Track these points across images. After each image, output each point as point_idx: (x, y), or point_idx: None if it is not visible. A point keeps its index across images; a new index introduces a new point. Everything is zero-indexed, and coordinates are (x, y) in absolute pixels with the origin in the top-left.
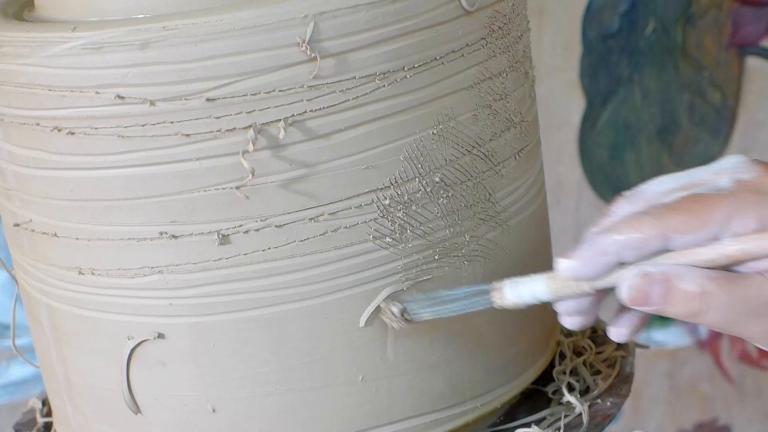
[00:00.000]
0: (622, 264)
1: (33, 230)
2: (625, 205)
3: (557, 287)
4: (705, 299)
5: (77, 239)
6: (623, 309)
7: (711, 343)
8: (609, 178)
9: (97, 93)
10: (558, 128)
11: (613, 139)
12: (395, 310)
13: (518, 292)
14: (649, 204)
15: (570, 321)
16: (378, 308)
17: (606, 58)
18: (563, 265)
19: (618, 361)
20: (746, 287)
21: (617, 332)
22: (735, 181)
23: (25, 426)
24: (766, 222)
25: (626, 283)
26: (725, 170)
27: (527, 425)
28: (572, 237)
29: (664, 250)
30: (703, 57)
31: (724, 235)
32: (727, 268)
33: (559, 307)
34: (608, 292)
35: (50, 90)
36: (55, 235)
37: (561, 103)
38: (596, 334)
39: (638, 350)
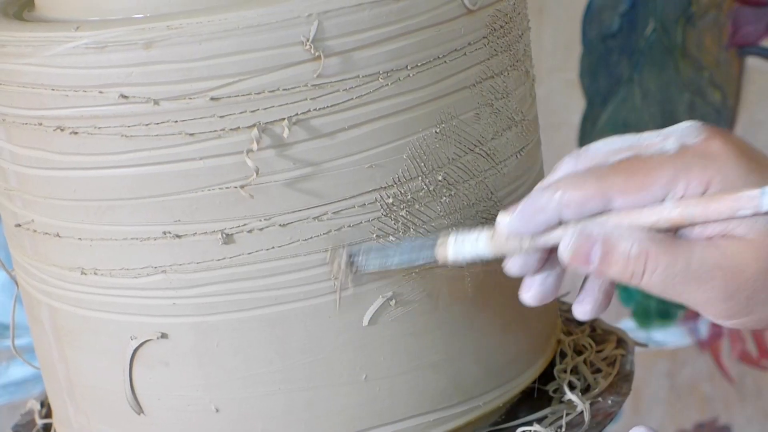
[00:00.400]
0: (563, 223)
1: (35, 230)
2: (570, 162)
3: (500, 244)
4: (645, 261)
5: (80, 239)
6: (584, 285)
7: (711, 343)
8: None
9: (100, 92)
10: (558, 128)
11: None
12: (343, 259)
13: (461, 248)
14: (593, 163)
15: (526, 292)
16: (381, 307)
17: (606, 58)
18: (502, 220)
19: (618, 360)
20: (689, 252)
21: (581, 310)
22: (681, 145)
23: (24, 428)
24: (711, 186)
25: (565, 241)
26: (673, 133)
27: (529, 424)
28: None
29: (606, 211)
30: (703, 57)
31: (667, 198)
32: (672, 232)
33: (507, 267)
34: (553, 252)
35: (53, 90)
36: (58, 235)
37: (561, 103)
38: (595, 333)
39: (638, 350)
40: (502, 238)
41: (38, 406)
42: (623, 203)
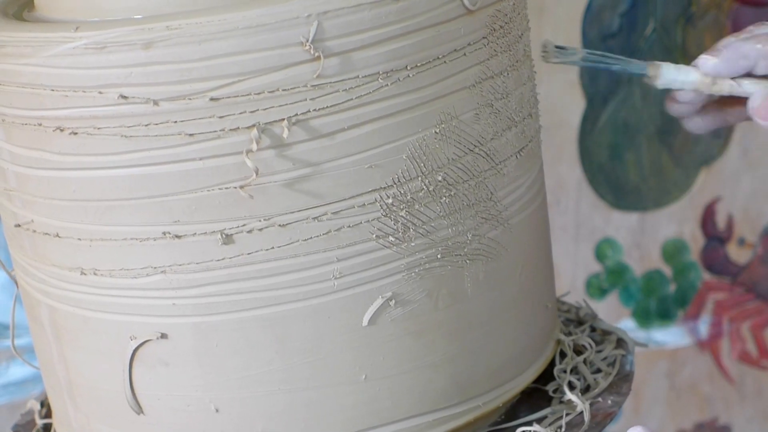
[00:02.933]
0: (751, 76)
1: (34, 231)
2: (764, 27)
3: (702, 82)
4: None
5: (79, 240)
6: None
7: (711, 343)
8: (609, 178)
9: (100, 93)
10: (558, 128)
11: (613, 139)
12: (550, 44)
13: (672, 75)
14: None
15: (692, 122)
16: (380, 307)
17: None
18: (707, 62)
19: (618, 360)
20: None
21: (695, 123)
22: None
23: (24, 428)
24: None
25: (760, 93)
26: None
27: (529, 424)
28: (572, 237)
29: None
30: None
31: None
32: None
33: (681, 100)
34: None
35: (53, 90)
36: (57, 235)
37: (561, 103)
38: (595, 333)
39: (638, 350)
40: (703, 77)
41: (38, 406)
42: None
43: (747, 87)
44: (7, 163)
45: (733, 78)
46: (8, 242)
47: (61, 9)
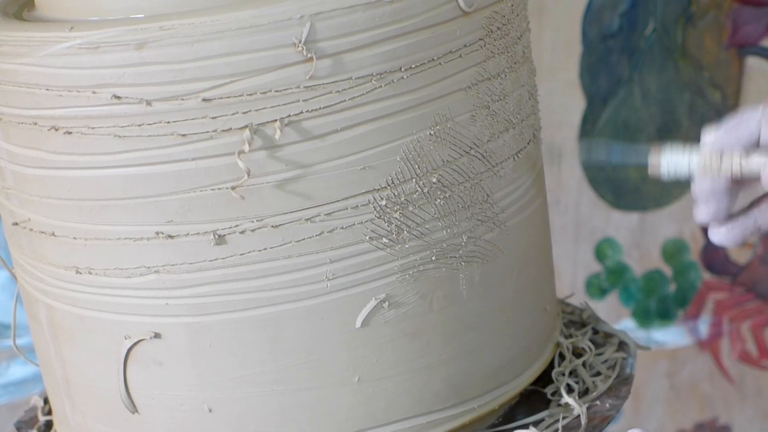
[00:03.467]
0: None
1: (31, 229)
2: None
3: (707, 162)
4: None
5: (74, 238)
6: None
7: (711, 343)
8: (609, 178)
9: (93, 93)
10: (558, 128)
11: (613, 139)
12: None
13: (674, 164)
14: None
15: (704, 209)
16: (374, 309)
17: (606, 58)
18: (709, 137)
19: (618, 363)
20: None
21: (723, 234)
22: None
23: (27, 424)
24: None
25: None
26: None
27: (525, 426)
28: (572, 237)
29: None
30: (703, 57)
31: None
32: None
33: (697, 191)
34: (740, 187)
35: (47, 89)
36: (53, 234)
37: (561, 103)
38: (598, 335)
39: (638, 350)
40: (708, 155)
41: (41, 403)
42: None
43: (758, 159)
44: (5, 162)
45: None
46: (8, 240)
47: (60, 8)
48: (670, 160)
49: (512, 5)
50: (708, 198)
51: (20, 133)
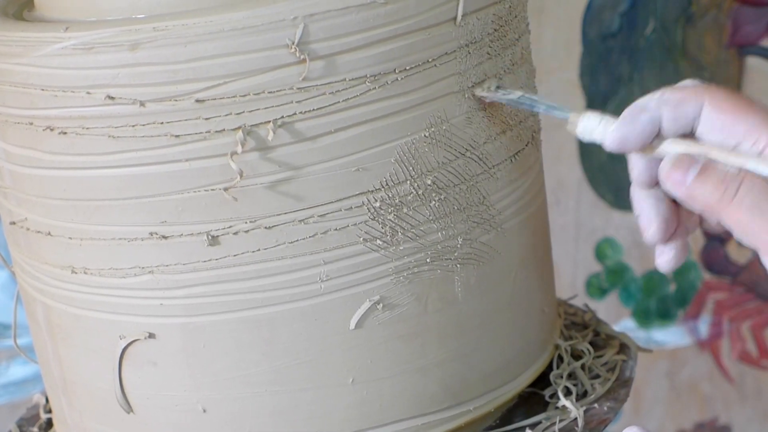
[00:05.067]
0: (662, 138)
1: (28, 229)
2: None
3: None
4: (742, 180)
5: (70, 238)
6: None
7: (711, 343)
8: (609, 178)
9: (88, 93)
10: (558, 128)
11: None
12: (492, 85)
13: (592, 126)
14: None
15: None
16: (368, 310)
17: (606, 58)
18: (611, 130)
19: (618, 365)
20: None
21: (663, 260)
22: None
23: (28, 422)
24: None
25: (670, 155)
26: None
27: (522, 429)
28: (572, 237)
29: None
30: (703, 57)
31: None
32: None
33: (631, 170)
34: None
35: (43, 90)
36: (49, 233)
37: (561, 103)
38: (599, 337)
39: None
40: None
41: (44, 401)
42: (710, 119)
43: (666, 147)
44: (3, 161)
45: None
46: (6, 239)
47: (59, 9)
48: (586, 125)
49: (510, 6)
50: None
51: (17, 132)
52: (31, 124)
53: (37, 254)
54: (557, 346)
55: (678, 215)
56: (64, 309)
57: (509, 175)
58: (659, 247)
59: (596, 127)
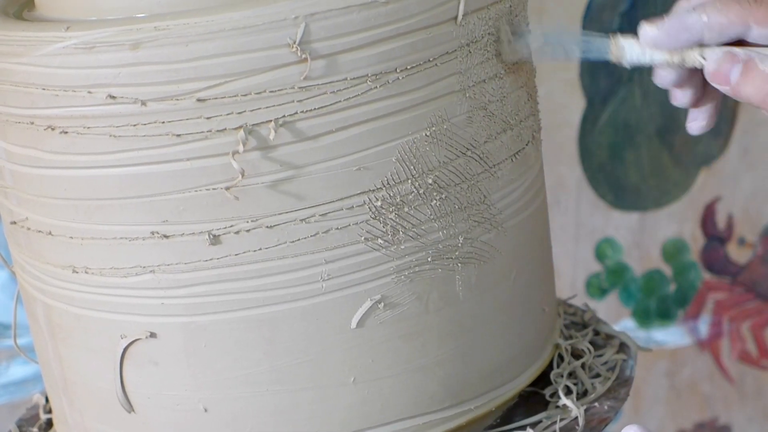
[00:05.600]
0: (700, 45)
1: (29, 228)
2: None
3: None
4: None
5: (71, 238)
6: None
7: (711, 343)
8: (609, 178)
9: (89, 92)
10: (558, 128)
11: (613, 139)
12: (509, 29)
13: (637, 53)
14: None
15: (677, 95)
16: (369, 310)
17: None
18: (646, 32)
19: (618, 364)
20: None
21: (695, 126)
22: None
23: (28, 422)
24: None
25: (713, 57)
26: None
27: (523, 428)
28: (572, 237)
29: (741, 41)
30: None
31: None
32: None
33: (660, 78)
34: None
35: (44, 89)
36: (50, 233)
37: (561, 102)
38: (599, 336)
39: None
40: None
41: (43, 401)
42: (759, 35)
43: (692, 55)
44: (4, 161)
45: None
46: (7, 239)
47: (59, 8)
48: (630, 53)
49: (510, 6)
50: (669, 77)
51: (17, 132)
52: (32, 123)
53: (38, 254)
54: (557, 345)
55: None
56: (64, 309)
57: (510, 174)
58: (692, 112)
59: (641, 55)
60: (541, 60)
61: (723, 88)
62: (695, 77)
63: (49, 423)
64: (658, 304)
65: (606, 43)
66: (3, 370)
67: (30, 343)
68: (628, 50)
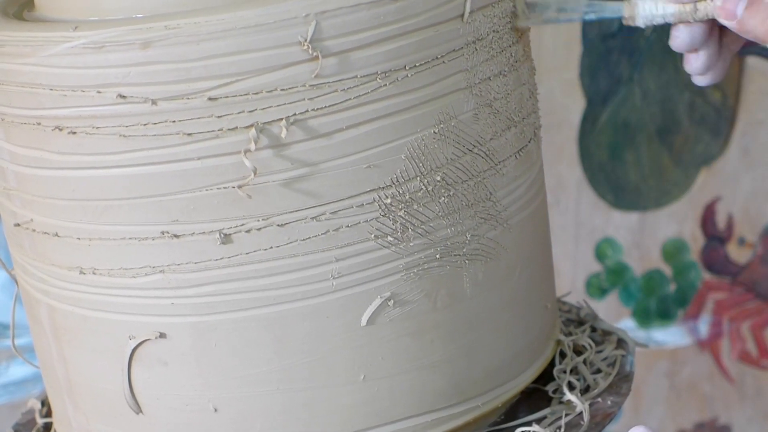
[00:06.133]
0: None
1: (34, 230)
2: None
3: (682, 11)
4: None
5: (78, 239)
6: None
7: (711, 343)
8: (609, 178)
9: (98, 92)
10: (558, 128)
11: (613, 139)
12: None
13: (650, 11)
14: None
15: (691, 60)
16: (379, 307)
17: (606, 58)
18: None
19: (618, 360)
20: None
21: (702, 80)
22: None
23: (25, 426)
24: None
25: None
26: None
27: (528, 424)
28: (572, 236)
29: None
30: None
31: None
32: None
33: (675, 40)
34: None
35: (51, 89)
36: (56, 234)
37: (561, 102)
38: (596, 333)
39: (638, 350)
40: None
41: (39, 405)
42: None
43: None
44: (7, 163)
45: None
46: (8, 241)
47: (61, 9)
48: (644, 12)
49: (514, 4)
50: (685, 38)
51: (23, 133)
52: (39, 124)
53: (43, 256)
54: (559, 342)
55: (719, 36)
56: (70, 310)
57: (514, 170)
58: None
59: (655, 12)
60: (558, 22)
61: (729, 23)
62: (710, 39)
63: (46, 427)
64: (658, 304)
65: (619, 3)
66: (3, 370)
67: (29, 343)
68: (641, 6)
